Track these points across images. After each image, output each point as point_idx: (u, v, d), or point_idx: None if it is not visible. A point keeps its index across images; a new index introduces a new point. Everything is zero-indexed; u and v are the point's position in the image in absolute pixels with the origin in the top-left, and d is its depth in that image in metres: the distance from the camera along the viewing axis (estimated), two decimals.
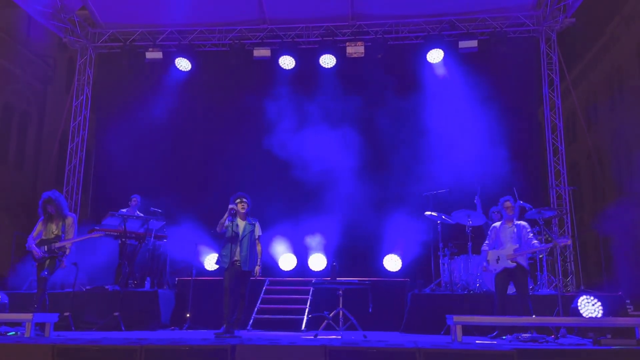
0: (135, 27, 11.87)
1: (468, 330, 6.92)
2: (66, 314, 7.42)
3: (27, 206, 16.85)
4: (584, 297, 7.43)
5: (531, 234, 6.98)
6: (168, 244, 9.26)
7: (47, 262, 6.73)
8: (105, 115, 12.25)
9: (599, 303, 7.33)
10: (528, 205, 8.23)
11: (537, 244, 6.95)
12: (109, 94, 12.10)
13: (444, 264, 8.89)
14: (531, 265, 8.59)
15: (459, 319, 5.85)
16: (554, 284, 9.24)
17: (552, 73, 11.19)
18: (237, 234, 6.83)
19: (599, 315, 7.24)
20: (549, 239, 8.33)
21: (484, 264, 7.10)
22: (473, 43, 11.03)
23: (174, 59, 11.52)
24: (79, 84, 12.21)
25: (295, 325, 8.04)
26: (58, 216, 6.89)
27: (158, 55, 11.56)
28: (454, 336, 5.82)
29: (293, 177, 10.53)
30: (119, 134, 11.57)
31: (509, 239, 6.95)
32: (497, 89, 10.65)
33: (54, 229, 6.85)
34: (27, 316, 5.89)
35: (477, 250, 8.93)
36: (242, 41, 11.60)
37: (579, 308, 7.34)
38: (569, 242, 7.57)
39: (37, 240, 6.81)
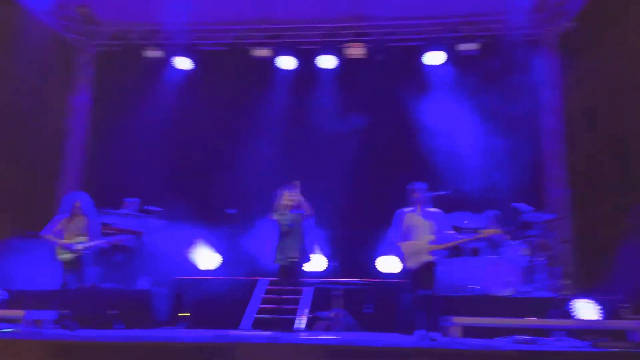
0: (136, 25, 11.84)
1: (465, 331, 6.90)
2: (64, 311, 7.39)
3: (25, 205, 16.76)
4: (582, 299, 7.43)
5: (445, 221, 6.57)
6: (165, 243, 9.22)
7: (73, 261, 6.79)
8: (104, 114, 12.20)
9: (598, 306, 7.33)
10: (527, 208, 8.24)
11: (455, 234, 6.59)
12: (108, 92, 12.05)
13: (439, 266, 8.84)
14: (528, 267, 8.62)
15: (458, 320, 5.85)
16: (551, 287, 9.23)
17: (551, 76, 11.20)
18: (288, 226, 6.70)
19: (597, 317, 7.24)
20: (547, 242, 8.36)
21: (401, 257, 6.50)
22: (474, 46, 11.06)
23: (174, 57, 11.51)
24: (78, 81, 12.19)
25: (291, 325, 8.00)
26: (83, 217, 6.96)
27: (158, 53, 11.55)
28: (453, 337, 5.81)
29: (293, 178, 10.50)
30: (118, 132, 11.53)
31: (423, 228, 6.42)
32: (498, 91, 10.64)
33: (77, 229, 6.89)
34: (20, 313, 5.89)
35: (475, 252, 8.95)
36: (242, 41, 11.59)
37: (576, 310, 7.34)
38: (500, 231, 7.05)
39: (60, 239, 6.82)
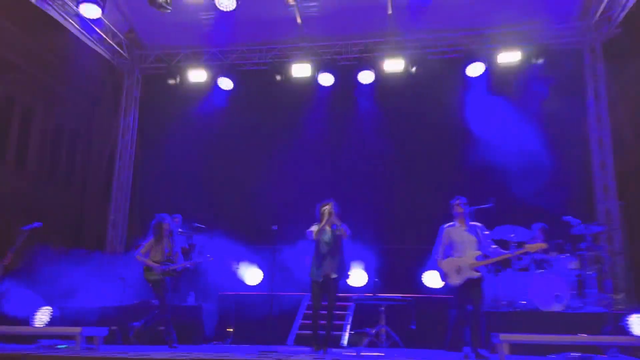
0: (179, 48, 12.24)
1: (513, 348, 6.75)
2: (113, 328, 7.62)
3: (75, 226, 17.38)
4: (636, 314, 7.15)
5: (487, 234, 6.41)
6: (211, 260, 9.40)
7: (159, 282, 7.13)
8: (150, 134, 12.64)
9: None
10: (576, 220, 8.02)
11: (498, 249, 6.40)
12: (154, 114, 12.47)
13: (485, 282, 8.69)
14: (579, 281, 8.36)
15: (505, 337, 5.73)
16: (603, 302, 8.91)
17: (597, 85, 10.92)
18: (325, 242, 6.69)
19: None
20: (598, 255, 8.10)
21: (442, 274, 6.40)
22: (514, 56, 10.90)
23: (217, 78, 11.81)
24: (126, 104, 12.66)
25: (335, 342, 8.00)
26: (168, 239, 7.30)
27: (201, 75, 11.89)
28: (501, 354, 5.69)
29: (335, 193, 10.56)
30: (164, 152, 11.90)
31: (468, 243, 6.31)
32: (541, 101, 10.46)
33: (164, 250, 7.22)
34: (77, 329, 6.09)
35: (521, 266, 8.75)
36: (282, 60, 11.79)
37: (630, 326, 7.06)
38: (545, 245, 6.82)
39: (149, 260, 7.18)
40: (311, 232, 6.63)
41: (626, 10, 9.80)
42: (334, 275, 6.54)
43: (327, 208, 6.73)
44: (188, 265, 7.84)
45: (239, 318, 8.44)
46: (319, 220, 6.73)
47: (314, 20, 11.26)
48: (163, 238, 7.30)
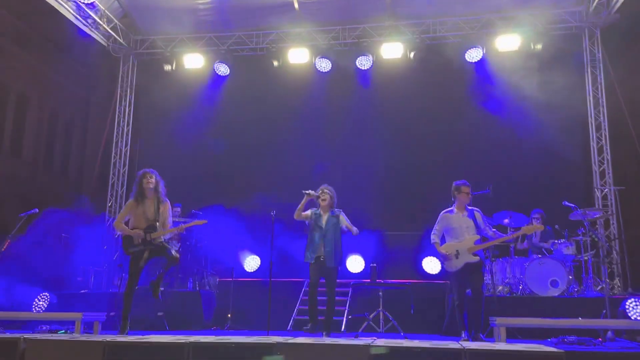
0: (176, 33, 12.13)
1: (511, 333, 6.79)
2: (112, 314, 7.63)
3: (71, 211, 17.31)
4: (632, 299, 7.20)
5: (486, 219, 6.44)
6: (209, 246, 9.41)
7: (146, 254, 6.15)
8: (147, 121, 12.58)
9: None
10: (573, 206, 8.04)
11: (497, 232, 6.41)
12: (151, 100, 12.38)
13: (485, 266, 8.74)
14: (575, 267, 8.41)
15: (502, 321, 5.75)
16: (599, 287, 8.98)
17: (595, 70, 10.90)
18: (320, 227, 6.61)
19: None
20: (595, 240, 8.13)
21: (441, 258, 6.44)
22: (513, 40, 10.87)
23: (214, 64, 11.74)
24: (121, 90, 12.56)
25: (334, 327, 8.02)
26: (154, 198, 6.23)
27: (198, 60, 11.81)
28: (497, 338, 5.73)
29: (332, 179, 10.57)
30: (161, 138, 11.86)
31: (465, 228, 6.32)
32: (539, 87, 10.43)
33: (148, 214, 6.15)
34: (77, 315, 6.10)
35: (519, 252, 8.80)
36: (279, 45, 11.71)
37: (627, 311, 7.11)
38: (542, 227, 6.85)
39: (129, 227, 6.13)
40: (298, 209, 6.62)
41: None
42: (327, 260, 6.51)
43: (321, 192, 6.68)
44: (176, 231, 6.86)
45: (238, 304, 8.45)
46: (317, 205, 6.72)
47: (311, 5, 11.18)
48: (145, 198, 6.17)
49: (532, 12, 10.88)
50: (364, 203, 10.39)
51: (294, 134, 11.34)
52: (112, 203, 12.10)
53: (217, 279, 9.45)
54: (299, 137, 11.28)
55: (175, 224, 7.36)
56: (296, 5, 11.06)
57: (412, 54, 11.13)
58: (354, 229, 6.68)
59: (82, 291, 9.55)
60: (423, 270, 9.91)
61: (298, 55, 11.48)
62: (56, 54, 18.79)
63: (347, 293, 8.51)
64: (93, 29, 11.62)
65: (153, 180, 6.30)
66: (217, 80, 11.93)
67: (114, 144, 12.39)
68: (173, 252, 6.20)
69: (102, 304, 8.07)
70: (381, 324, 7.02)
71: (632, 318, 7.00)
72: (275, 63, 11.52)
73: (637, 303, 7.11)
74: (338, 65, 11.49)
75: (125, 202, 12.12)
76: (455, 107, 11.00)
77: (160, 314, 7.83)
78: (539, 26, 10.81)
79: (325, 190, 6.73)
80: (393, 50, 11.21)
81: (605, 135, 10.66)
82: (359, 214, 10.20)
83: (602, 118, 10.73)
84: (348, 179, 10.37)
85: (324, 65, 11.43)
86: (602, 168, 10.56)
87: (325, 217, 6.68)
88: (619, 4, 10.14)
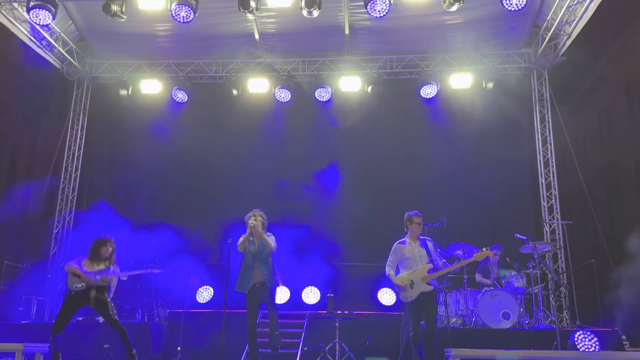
0: (134, 58, 11.98)
1: None
2: (106, 346, 7.31)
3: (21, 239, 16.56)
4: (581, 332, 7.39)
5: (438, 250, 6.53)
6: (159, 276, 9.12)
7: (93, 293, 6.42)
8: (99, 146, 12.27)
9: (595, 338, 7.29)
10: (525, 238, 8.26)
11: (446, 263, 6.46)
12: (104, 125, 12.12)
13: (439, 298, 8.82)
14: (526, 299, 8.58)
15: (457, 352, 5.77)
16: (549, 319, 9.18)
17: (543, 109, 11.40)
18: (252, 253, 6.52)
19: (595, 350, 7.19)
20: (546, 272, 8.35)
21: (397, 289, 6.43)
22: (466, 79, 11.25)
23: (171, 90, 11.60)
24: (74, 114, 12.23)
25: (290, 358, 7.88)
26: (106, 261, 6.60)
27: (155, 86, 11.66)
28: None
29: (289, 208, 10.55)
30: (114, 164, 11.58)
31: (419, 258, 6.36)
32: (490, 124, 10.83)
33: (97, 267, 6.51)
34: (18, 346, 5.77)
35: (472, 284, 8.93)
36: (238, 74, 11.72)
37: (577, 343, 7.29)
38: (492, 253, 6.96)
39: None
40: (241, 243, 6.52)
41: (572, 39, 10.30)
42: (268, 281, 6.45)
43: (253, 218, 6.61)
44: (123, 278, 7.23)
45: (189, 336, 8.18)
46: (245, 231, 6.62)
47: (272, 37, 11.29)
48: (101, 261, 6.57)
49: (484, 52, 11.35)
50: (320, 233, 10.40)
51: (251, 162, 11.30)
52: (59, 230, 11.64)
53: (168, 311, 9.14)
54: (257, 165, 11.24)
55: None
56: (257, 36, 11.16)
57: (369, 88, 11.34)
58: (271, 245, 6.61)
59: (23, 322, 9.06)
60: (379, 301, 9.91)
61: (258, 85, 11.50)
62: (7, 74, 18.21)
63: (303, 325, 8.38)
64: (47, 52, 11.34)
65: (111, 249, 6.69)
66: (174, 106, 11.77)
67: (63, 169, 11.98)
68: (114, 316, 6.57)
69: (45, 335, 7.63)
70: (337, 355, 6.92)
71: (581, 350, 7.18)
72: (235, 92, 11.48)
73: (586, 335, 7.31)
74: (297, 95, 11.58)
75: (72, 227, 11.68)
76: (411, 141, 11.26)
77: (106, 346, 7.48)
78: (490, 66, 11.27)
79: (257, 214, 6.67)
80: (351, 83, 11.40)
81: (553, 172, 11.09)
82: (314, 244, 10.24)
83: (549, 155, 11.18)
84: (305, 208, 10.37)
85: (284, 95, 11.49)
86: (550, 203, 10.94)
87: (257, 243, 6.61)
88: (565, 48, 10.70)
